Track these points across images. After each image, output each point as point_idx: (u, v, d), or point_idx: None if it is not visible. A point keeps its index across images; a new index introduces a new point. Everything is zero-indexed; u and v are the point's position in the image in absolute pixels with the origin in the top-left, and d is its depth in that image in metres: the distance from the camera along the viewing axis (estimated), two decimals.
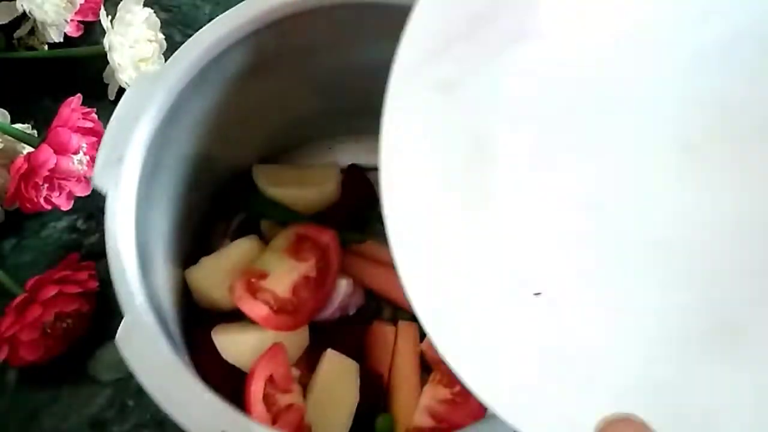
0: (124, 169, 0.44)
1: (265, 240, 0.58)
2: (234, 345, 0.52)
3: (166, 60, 0.55)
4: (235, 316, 0.53)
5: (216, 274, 0.54)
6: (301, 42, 0.51)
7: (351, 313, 0.56)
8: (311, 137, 0.62)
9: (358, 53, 0.53)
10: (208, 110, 0.51)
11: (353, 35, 0.52)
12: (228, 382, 0.46)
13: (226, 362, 0.51)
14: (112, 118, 0.45)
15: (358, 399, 0.53)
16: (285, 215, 0.58)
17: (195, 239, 0.58)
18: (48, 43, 0.65)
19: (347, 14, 0.50)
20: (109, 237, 0.42)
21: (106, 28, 0.61)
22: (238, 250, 0.55)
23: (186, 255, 0.55)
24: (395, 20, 0.49)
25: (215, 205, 0.60)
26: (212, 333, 0.52)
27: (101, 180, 0.44)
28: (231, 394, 0.41)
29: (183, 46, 0.47)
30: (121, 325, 0.40)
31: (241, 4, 0.48)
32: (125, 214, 0.43)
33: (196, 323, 0.54)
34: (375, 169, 0.63)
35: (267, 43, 0.50)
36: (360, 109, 0.60)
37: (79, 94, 0.57)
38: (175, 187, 0.51)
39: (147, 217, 0.45)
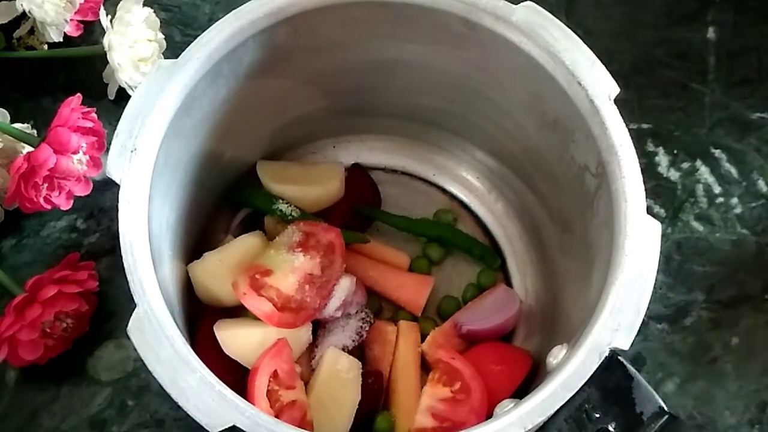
0: (139, 159, 0.44)
1: (268, 236, 0.58)
2: (236, 340, 0.52)
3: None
4: (237, 312, 0.54)
5: (219, 270, 0.54)
6: (313, 39, 0.51)
7: (352, 311, 0.56)
8: (316, 135, 0.62)
9: (367, 53, 0.54)
10: (219, 104, 0.51)
11: (364, 34, 0.52)
12: (228, 377, 0.45)
13: (227, 357, 0.51)
14: (127, 106, 0.45)
15: (360, 397, 0.53)
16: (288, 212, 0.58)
17: (198, 234, 0.58)
18: (48, 43, 0.65)
19: (360, 12, 0.50)
20: (123, 226, 0.42)
21: (105, 28, 0.61)
22: (242, 246, 0.55)
23: (189, 249, 0.55)
24: (407, 20, 0.50)
25: (219, 200, 0.60)
26: (214, 328, 0.52)
27: (115, 168, 0.44)
28: (231, 389, 0.41)
29: (198, 38, 0.47)
30: (132, 315, 0.40)
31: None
32: (138, 204, 0.43)
33: (197, 318, 0.54)
34: (378, 168, 0.63)
35: (280, 40, 0.50)
36: (365, 109, 0.61)
37: (78, 94, 0.56)
38: (181, 180, 0.51)
39: (156, 208, 0.46)
